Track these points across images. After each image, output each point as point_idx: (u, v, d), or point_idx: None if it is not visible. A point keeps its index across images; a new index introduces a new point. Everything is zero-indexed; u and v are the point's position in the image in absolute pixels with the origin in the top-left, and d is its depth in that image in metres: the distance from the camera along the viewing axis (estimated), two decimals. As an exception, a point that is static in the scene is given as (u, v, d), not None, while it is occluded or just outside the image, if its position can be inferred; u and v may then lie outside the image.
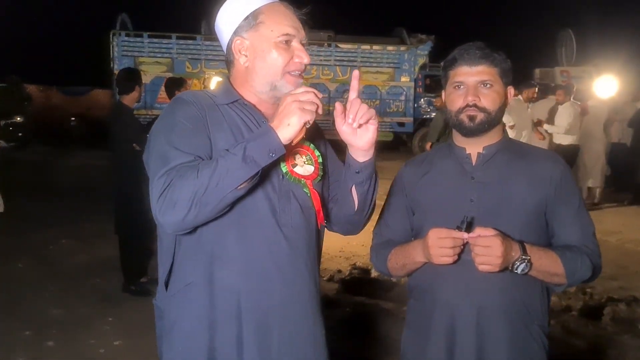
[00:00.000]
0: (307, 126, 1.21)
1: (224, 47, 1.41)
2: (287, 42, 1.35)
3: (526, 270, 1.39)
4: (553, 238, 1.52)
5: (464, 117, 1.47)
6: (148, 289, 4.18)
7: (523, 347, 1.47)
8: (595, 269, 1.49)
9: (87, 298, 4.12)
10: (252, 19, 1.34)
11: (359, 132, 1.29)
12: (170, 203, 1.18)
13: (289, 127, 1.18)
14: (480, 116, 1.45)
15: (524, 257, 1.38)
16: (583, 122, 7.78)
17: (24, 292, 4.19)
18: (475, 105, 1.45)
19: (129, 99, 4.27)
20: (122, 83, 4.29)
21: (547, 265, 1.42)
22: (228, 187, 1.18)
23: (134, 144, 4.08)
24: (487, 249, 1.34)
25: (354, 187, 1.39)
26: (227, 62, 1.42)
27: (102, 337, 3.49)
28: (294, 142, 1.24)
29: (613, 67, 10.48)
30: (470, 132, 1.48)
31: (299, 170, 1.38)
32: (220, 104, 1.36)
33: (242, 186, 1.20)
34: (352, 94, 1.28)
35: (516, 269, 1.38)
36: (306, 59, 1.36)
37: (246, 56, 1.36)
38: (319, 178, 1.42)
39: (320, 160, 1.43)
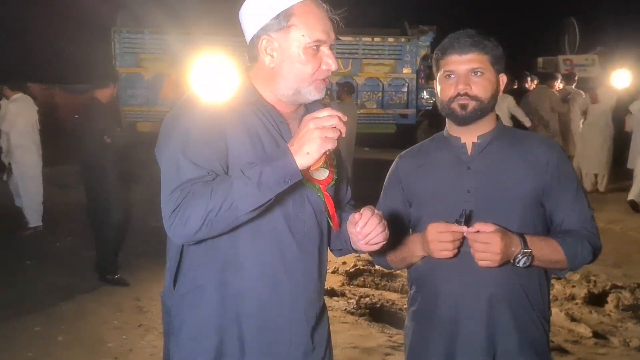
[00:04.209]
0: (327, 153, 1.18)
1: (248, 40, 1.34)
2: (317, 48, 1.30)
3: (528, 264, 1.40)
4: (552, 224, 1.52)
5: (455, 105, 1.47)
6: (124, 280, 4.35)
7: (526, 333, 1.49)
8: (595, 252, 1.50)
9: (96, 293, 4.17)
10: (284, 20, 1.27)
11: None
12: (182, 220, 1.17)
13: (307, 155, 1.15)
14: (472, 104, 1.45)
15: (525, 250, 1.38)
16: (590, 110, 7.77)
17: (33, 289, 4.24)
18: (466, 94, 1.45)
19: (102, 94, 4.44)
20: (97, 78, 4.55)
21: (549, 254, 1.43)
22: (241, 211, 1.17)
23: (105, 136, 4.31)
24: (486, 245, 1.35)
25: (339, 251, 1.49)
26: (250, 57, 1.36)
27: (110, 332, 3.53)
28: (312, 168, 1.22)
29: (617, 55, 10.41)
30: (463, 121, 1.48)
31: (314, 174, 1.35)
32: (238, 104, 1.31)
33: (254, 210, 1.18)
34: (368, 213, 1.28)
35: (518, 263, 1.39)
36: (334, 67, 1.31)
37: (272, 57, 1.30)
38: (333, 182, 1.39)
39: (335, 163, 1.41)
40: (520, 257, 1.39)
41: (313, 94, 1.32)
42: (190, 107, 1.30)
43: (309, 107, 1.40)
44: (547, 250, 1.43)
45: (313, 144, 1.14)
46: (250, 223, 1.26)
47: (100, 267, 4.46)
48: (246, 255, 1.31)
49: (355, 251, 1.42)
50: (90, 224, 4.65)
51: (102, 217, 4.43)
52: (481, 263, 1.38)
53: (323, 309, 1.46)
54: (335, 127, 1.15)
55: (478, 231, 1.37)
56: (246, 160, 1.23)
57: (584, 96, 7.94)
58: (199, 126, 1.25)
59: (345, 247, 1.45)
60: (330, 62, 1.31)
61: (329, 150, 1.16)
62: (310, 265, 1.38)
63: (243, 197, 1.16)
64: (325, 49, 1.31)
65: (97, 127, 4.39)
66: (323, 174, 1.37)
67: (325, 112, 1.16)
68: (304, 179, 1.31)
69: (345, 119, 1.18)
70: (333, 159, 1.41)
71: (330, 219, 1.38)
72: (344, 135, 1.17)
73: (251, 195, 1.16)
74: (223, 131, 1.27)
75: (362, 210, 1.31)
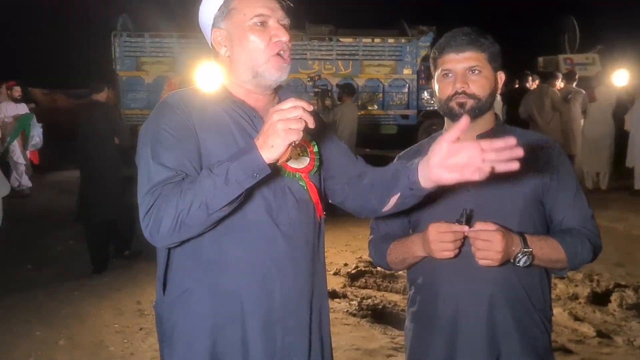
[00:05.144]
0: (294, 145, 1.15)
1: (209, 44, 1.37)
2: (263, 24, 1.29)
3: (528, 263, 1.39)
4: (552, 223, 1.51)
5: (453, 104, 1.46)
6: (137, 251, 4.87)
7: (527, 334, 1.48)
8: (595, 250, 1.49)
9: (96, 297, 4.16)
10: (225, 8, 1.31)
11: (454, 169, 1.15)
12: (156, 223, 1.18)
13: (272, 148, 1.14)
14: (470, 103, 1.45)
15: (525, 250, 1.38)
16: (590, 108, 7.78)
17: (34, 293, 4.23)
18: (464, 92, 1.44)
19: (99, 98, 4.79)
20: (93, 82, 4.88)
21: (549, 253, 1.42)
22: (211, 209, 1.16)
23: (115, 137, 4.66)
24: (488, 243, 1.34)
25: (397, 196, 1.32)
26: (214, 57, 1.38)
27: (111, 335, 3.52)
28: (280, 161, 1.20)
29: (617, 53, 10.41)
30: None
31: (293, 164, 1.34)
32: (209, 102, 1.32)
33: (225, 207, 1.18)
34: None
35: (518, 262, 1.38)
36: (284, 37, 1.29)
37: (225, 47, 1.32)
38: (316, 169, 1.38)
39: (315, 150, 1.39)
40: (520, 257, 1.38)
41: (272, 72, 1.31)
42: (160, 112, 1.31)
43: (282, 97, 1.39)
44: (547, 250, 1.42)
45: (277, 137, 1.13)
46: (232, 219, 1.25)
47: (117, 246, 4.95)
48: (230, 253, 1.30)
49: (415, 192, 1.26)
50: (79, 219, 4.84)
51: (113, 207, 4.67)
52: (482, 262, 1.37)
53: (323, 302, 1.43)
54: (300, 118, 1.13)
55: (480, 230, 1.35)
56: (220, 158, 1.22)
57: (584, 94, 7.95)
58: (167, 129, 1.26)
59: (401, 191, 1.30)
60: (279, 33, 1.29)
61: (294, 142, 1.14)
62: (301, 257, 1.36)
63: (212, 195, 1.16)
64: (272, 23, 1.30)
65: (103, 128, 4.59)
66: (303, 162, 1.36)
67: (288, 104, 1.14)
68: (283, 170, 1.31)
69: (310, 108, 1.15)
70: (313, 146, 1.39)
71: (314, 206, 1.36)
72: (310, 125, 1.14)
73: (220, 192, 1.16)
74: (194, 132, 1.27)
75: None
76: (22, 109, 7.99)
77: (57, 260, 5.04)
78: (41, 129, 7.97)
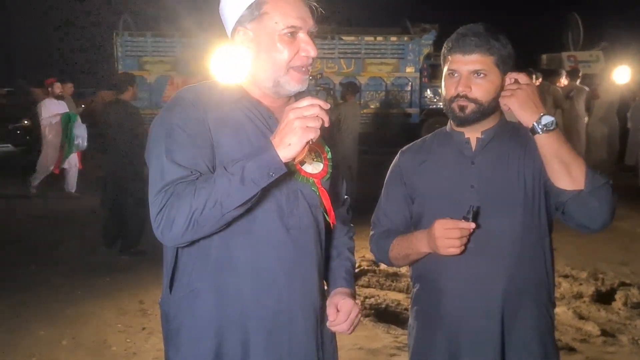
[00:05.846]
0: (311, 143, 1.14)
1: (229, 36, 1.33)
2: (293, 34, 1.25)
3: (553, 127, 1.36)
4: (557, 196, 1.43)
5: (455, 106, 1.46)
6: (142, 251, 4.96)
7: (535, 329, 1.47)
8: (612, 193, 1.39)
9: (99, 297, 4.16)
10: (255, 9, 1.25)
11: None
12: (168, 222, 1.16)
13: (289, 147, 1.12)
14: (470, 107, 1.44)
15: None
16: (593, 106, 7.78)
17: (37, 293, 4.23)
18: (465, 96, 1.43)
19: (126, 96, 5.02)
20: (119, 83, 5.16)
21: (568, 146, 1.39)
22: (226, 208, 1.15)
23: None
24: (525, 86, 1.39)
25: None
26: (231, 48, 1.34)
27: (114, 335, 3.52)
28: (296, 160, 1.19)
29: (621, 51, 10.37)
30: (461, 122, 1.48)
31: (307, 168, 1.32)
32: (224, 100, 1.29)
33: (240, 207, 1.16)
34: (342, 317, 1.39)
35: (541, 120, 1.36)
36: (312, 53, 1.26)
37: (249, 48, 1.28)
38: (328, 176, 1.36)
39: (329, 156, 1.37)
40: (545, 117, 1.37)
41: (292, 84, 1.28)
42: (174, 108, 1.28)
43: (298, 98, 1.35)
44: (566, 140, 1.40)
45: (294, 135, 1.12)
46: (242, 221, 1.23)
47: (125, 243, 5.05)
48: (238, 256, 1.28)
49: None
50: (113, 208, 5.07)
51: (133, 199, 4.84)
52: (508, 100, 1.40)
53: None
54: (317, 116, 1.12)
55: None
56: (233, 157, 1.20)
57: (587, 92, 7.93)
58: (182, 126, 1.24)
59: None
60: (308, 49, 1.26)
61: (311, 140, 1.13)
62: (308, 262, 1.34)
63: (226, 194, 1.14)
64: (302, 35, 1.27)
65: (129, 127, 4.81)
66: (317, 168, 1.34)
67: (305, 102, 1.13)
68: (297, 174, 1.29)
69: (327, 107, 1.14)
70: (327, 152, 1.37)
71: (326, 213, 1.34)
72: (326, 124, 1.13)
73: (235, 191, 1.14)
74: (208, 130, 1.25)
75: (340, 306, 1.39)
76: (63, 106, 7.80)
77: (60, 261, 5.04)
78: (85, 131, 7.74)
